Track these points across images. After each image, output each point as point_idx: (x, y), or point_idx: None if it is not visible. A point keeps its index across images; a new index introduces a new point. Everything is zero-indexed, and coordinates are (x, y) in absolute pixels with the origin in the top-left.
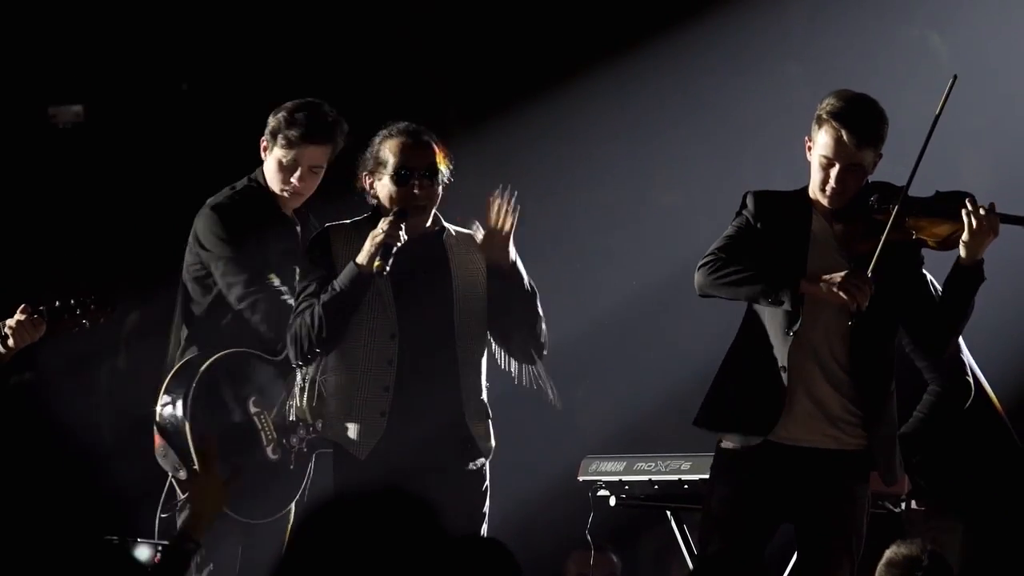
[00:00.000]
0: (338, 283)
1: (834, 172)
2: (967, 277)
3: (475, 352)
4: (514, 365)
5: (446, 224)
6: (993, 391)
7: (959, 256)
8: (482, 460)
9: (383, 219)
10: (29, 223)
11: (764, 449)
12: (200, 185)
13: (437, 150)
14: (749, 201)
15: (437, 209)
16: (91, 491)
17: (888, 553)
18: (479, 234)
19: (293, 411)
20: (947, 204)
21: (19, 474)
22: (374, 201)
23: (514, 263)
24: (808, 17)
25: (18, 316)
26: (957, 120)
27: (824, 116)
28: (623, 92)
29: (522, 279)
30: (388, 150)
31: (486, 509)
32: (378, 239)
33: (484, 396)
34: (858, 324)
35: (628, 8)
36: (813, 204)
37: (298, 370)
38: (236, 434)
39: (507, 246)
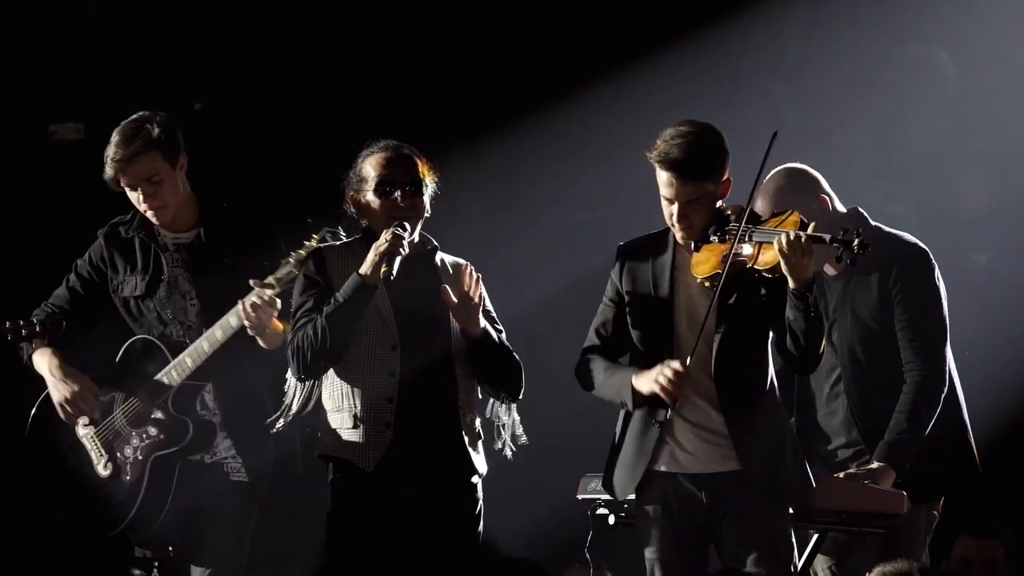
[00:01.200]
0: (341, 295)
1: (675, 209)
2: (796, 301)
3: (470, 371)
4: (491, 411)
5: (438, 246)
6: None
7: (788, 280)
8: (477, 478)
9: (385, 230)
10: (28, 239)
11: (672, 484)
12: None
13: (420, 163)
14: (615, 258)
15: (430, 231)
16: (88, 504)
17: (875, 573)
18: (452, 297)
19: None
20: (770, 228)
21: (17, 487)
22: (364, 222)
23: (484, 330)
24: (804, 37)
25: None
26: (958, 141)
27: (653, 158)
28: (620, 111)
29: (491, 342)
30: (369, 166)
31: (480, 528)
32: (382, 248)
33: (477, 417)
34: (669, 416)
35: (624, 27)
36: (675, 248)
37: (295, 383)
38: (69, 458)
39: (476, 316)
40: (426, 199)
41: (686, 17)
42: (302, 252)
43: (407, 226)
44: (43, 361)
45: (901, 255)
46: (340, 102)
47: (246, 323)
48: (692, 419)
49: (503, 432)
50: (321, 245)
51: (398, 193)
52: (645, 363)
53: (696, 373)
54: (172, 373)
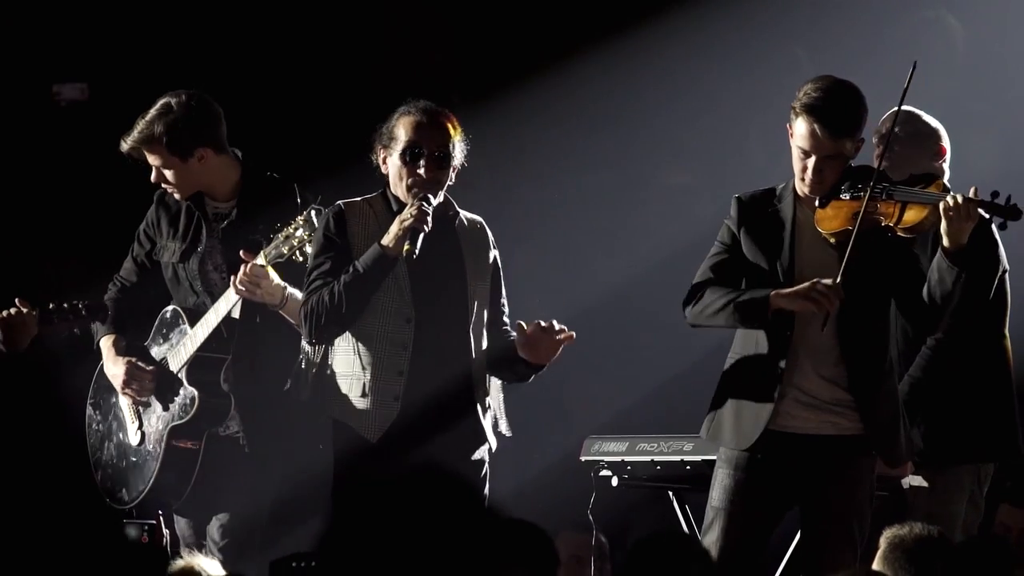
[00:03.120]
0: (361, 264)
1: (811, 163)
2: (950, 263)
3: (481, 342)
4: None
5: (459, 209)
6: None
7: (942, 243)
8: (486, 447)
9: (410, 203)
10: (31, 201)
11: (765, 440)
12: None
13: (452, 132)
14: (732, 208)
15: (449, 193)
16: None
17: (889, 536)
18: (519, 334)
19: (298, 386)
20: (918, 190)
21: (23, 452)
22: (385, 172)
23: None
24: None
25: (12, 312)
26: (966, 104)
27: (799, 108)
28: (630, 73)
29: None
30: (402, 127)
31: (487, 491)
32: (407, 223)
33: (488, 387)
34: (824, 329)
35: None
36: (796, 194)
37: (307, 347)
38: (113, 419)
39: (554, 354)
40: (452, 168)
41: None
42: (295, 231)
43: (431, 199)
44: (104, 349)
45: None
46: (346, 65)
47: (241, 293)
48: (810, 378)
49: (495, 410)
50: (342, 201)
51: (423, 162)
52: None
53: (818, 333)
54: (188, 343)
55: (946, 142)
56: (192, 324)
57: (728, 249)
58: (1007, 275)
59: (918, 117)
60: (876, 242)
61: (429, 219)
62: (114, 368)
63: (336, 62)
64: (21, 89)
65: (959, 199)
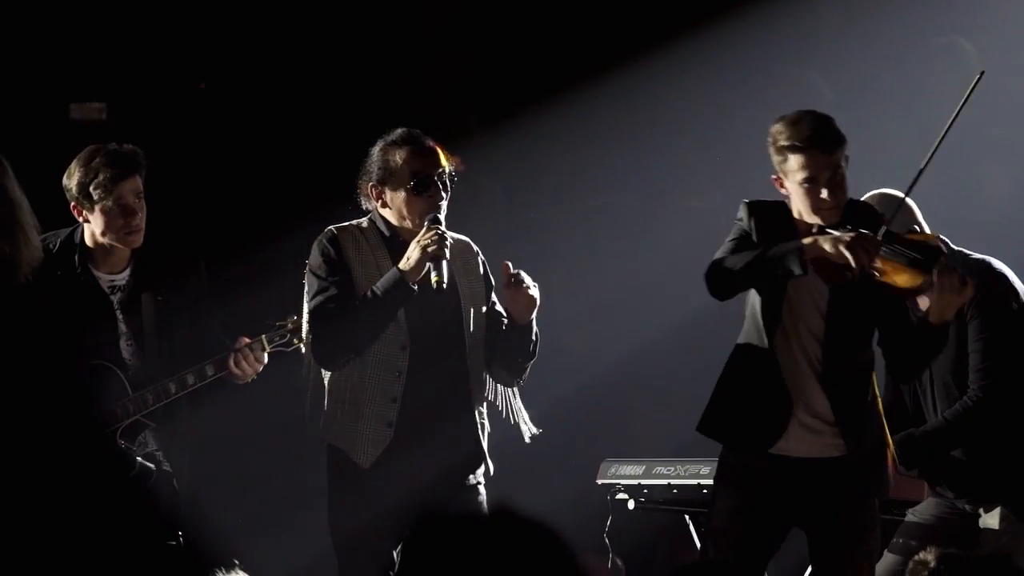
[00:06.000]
0: (380, 289)
1: (824, 188)
2: (931, 336)
3: (481, 365)
4: (496, 396)
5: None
6: None
7: (930, 313)
8: (482, 470)
9: (425, 229)
10: (48, 222)
11: (770, 461)
12: (219, 186)
13: (442, 153)
14: (743, 211)
15: (453, 216)
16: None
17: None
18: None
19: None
20: (916, 255)
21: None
22: (373, 206)
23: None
24: (835, 25)
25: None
26: (979, 129)
27: (787, 145)
28: (648, 96)
29: (533, 330)
30: (400, 159)
31: (484, 511)
32: (431, 250)
33: (486, 411)
34: (840, 294)
35: (654, 11)
36: (796, 224)
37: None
38: None
39: (533, 305)
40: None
41: (717, 2)
42: (304, 324)
43: (441, 220)
44: None
45: (977, 279)
46: (363, 87)
47: (234, 373)
48: (804, 402)
49: (516, 416)
50: (334, 226)
51: (434, 189)
52: (756, 334)
53: (804, 361)
54: (128, 406)
55: (919, 219)
56: (132, 385)
57: (745, 239)
58: None
59: (895, 197)
60: (865, 286)
61: (448, 246)
62: None
63: (352, 85)
64: (38, 109)
65: (956, 278)
